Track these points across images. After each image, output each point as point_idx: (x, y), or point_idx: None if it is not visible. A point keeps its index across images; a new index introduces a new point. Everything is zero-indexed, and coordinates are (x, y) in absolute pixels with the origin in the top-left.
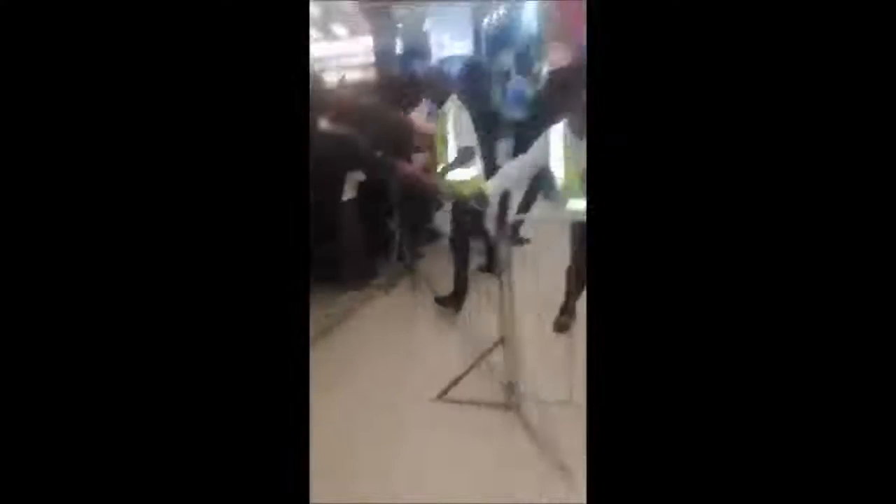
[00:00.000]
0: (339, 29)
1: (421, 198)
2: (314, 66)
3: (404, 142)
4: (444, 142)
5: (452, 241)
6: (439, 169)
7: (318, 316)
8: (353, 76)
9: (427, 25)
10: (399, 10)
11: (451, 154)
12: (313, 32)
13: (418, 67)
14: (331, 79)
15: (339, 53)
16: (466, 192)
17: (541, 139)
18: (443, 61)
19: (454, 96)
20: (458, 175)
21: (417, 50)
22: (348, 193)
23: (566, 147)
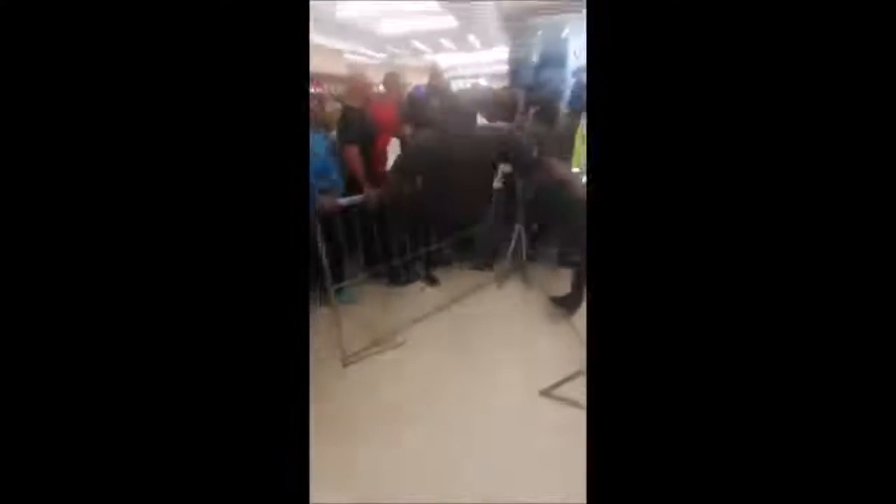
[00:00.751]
0: (475, 40)
1: (558, 200)
2: (451, 72)
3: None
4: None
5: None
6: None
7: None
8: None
9: (566, 33)
10: (538, 19)
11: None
12: (448, 43)
13: (554, 76)
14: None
15: (474, 62)
16: None
17: None
18: (579, 70)
19: None
20: None
21: (554, 58)
22: (495, 184)
23: None
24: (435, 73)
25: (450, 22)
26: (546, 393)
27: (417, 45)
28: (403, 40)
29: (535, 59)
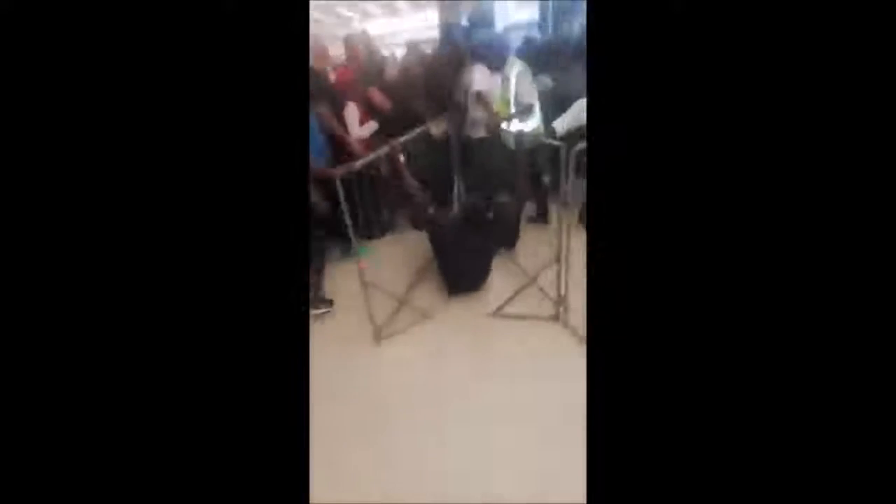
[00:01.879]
0: (402, 4)
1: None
2: (376, 41)
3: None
4: (507, 99)
5: (513, 186)
6: (503, 123)
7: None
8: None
9: None
10: None
11: (513, 110)
12: (375, 8)
13: (483, 36)
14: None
15: (402, 29)
16: (531, 140)
17: None
18: (507, 29)
19: (514, 57)
20: (520, 126)
21: (482, 20)
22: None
23: None
24: (365, 42)
25: None
26: (495, 314)
27: (342, 11)
28: (327, 7)
29: (464, 21)
